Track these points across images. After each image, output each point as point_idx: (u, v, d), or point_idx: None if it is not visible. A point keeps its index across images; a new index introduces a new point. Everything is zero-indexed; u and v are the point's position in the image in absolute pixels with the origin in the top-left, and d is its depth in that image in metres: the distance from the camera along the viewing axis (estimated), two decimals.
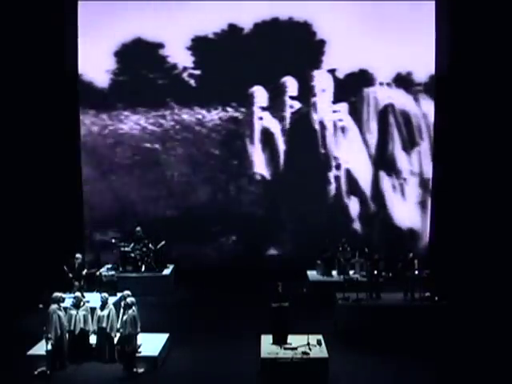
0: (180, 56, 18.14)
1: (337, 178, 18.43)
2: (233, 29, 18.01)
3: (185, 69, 18.17)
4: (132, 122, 18.42)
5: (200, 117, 18.35)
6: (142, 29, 17.89)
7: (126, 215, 18.38)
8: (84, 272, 13.82)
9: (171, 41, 18.01)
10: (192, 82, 18.20)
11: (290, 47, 17.94)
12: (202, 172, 18.48)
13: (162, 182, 18.49)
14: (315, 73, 18.15)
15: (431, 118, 18.11)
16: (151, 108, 18.30)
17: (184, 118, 18.38)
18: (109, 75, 18.23)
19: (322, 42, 18.03)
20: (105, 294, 11.35)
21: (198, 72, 18.17)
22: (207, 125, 18.36)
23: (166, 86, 18.21)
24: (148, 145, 18.51)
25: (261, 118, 18.38)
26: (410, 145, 18.35)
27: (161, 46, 18.05)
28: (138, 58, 18.12)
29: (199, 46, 18.09)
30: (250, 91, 18.26)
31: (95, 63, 18.00)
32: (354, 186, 18.40)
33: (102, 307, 11.11)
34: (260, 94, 18.29)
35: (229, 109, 18.30)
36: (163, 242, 16.50)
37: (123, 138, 18.43)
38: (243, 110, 18.29)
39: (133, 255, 15.98)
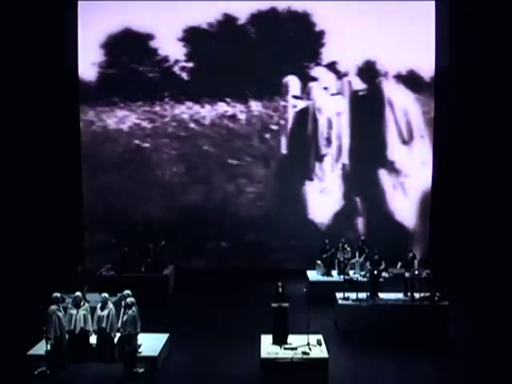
0: (172, 48, 17.73)
1: (336, 177, 18.44)
2: (227, 20, 17.69)
3: (177, 62, 17.75)
4: (120, 118, 17.97)
5: (193, 113, 17.97)
6: (132, 20, 17.40)
7: (116, 215, 18.09)
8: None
9: (162, 33, 17.56)
10: (184, 75, 17.79)
11: (288, 39, 17.75)
12: (196, 171, 18.28)
13: (153, 182, 18.22)
14: (312, 66, 18.01)
15: (431, 115, 18.09)
16: (142, 103, 17.87)
17: (177, 114, 17.99)
18: (96, 68, 17.78)
19: (322, 34, 17.85)
20: (105, 294, 11.34)
21: (190, 65, 17.76)
22: (201, 121, 18.03)
23: (157, 80, 17.77)
24: (138, 142, 18.24)
25: (258, 114, 18.13)
26: (410, 142, 18.34)
27: (151, 37, 17.62)
28: (127, 50, 17.64)
29: (193, 37, 17.68)
30: (247, 86, 17.96)
31: (81, 55, 17.50)
32: (353, 185, 18.38)
33: (102, 307, 11.10)
34: (257, 90, 18.02)
35: (225, 104, 17.98)
36: (163, 242, 16.49)
37: (112, 134, 18.03)
38: (240, 105, 18.03)
39: (133, 255, 15.94)
